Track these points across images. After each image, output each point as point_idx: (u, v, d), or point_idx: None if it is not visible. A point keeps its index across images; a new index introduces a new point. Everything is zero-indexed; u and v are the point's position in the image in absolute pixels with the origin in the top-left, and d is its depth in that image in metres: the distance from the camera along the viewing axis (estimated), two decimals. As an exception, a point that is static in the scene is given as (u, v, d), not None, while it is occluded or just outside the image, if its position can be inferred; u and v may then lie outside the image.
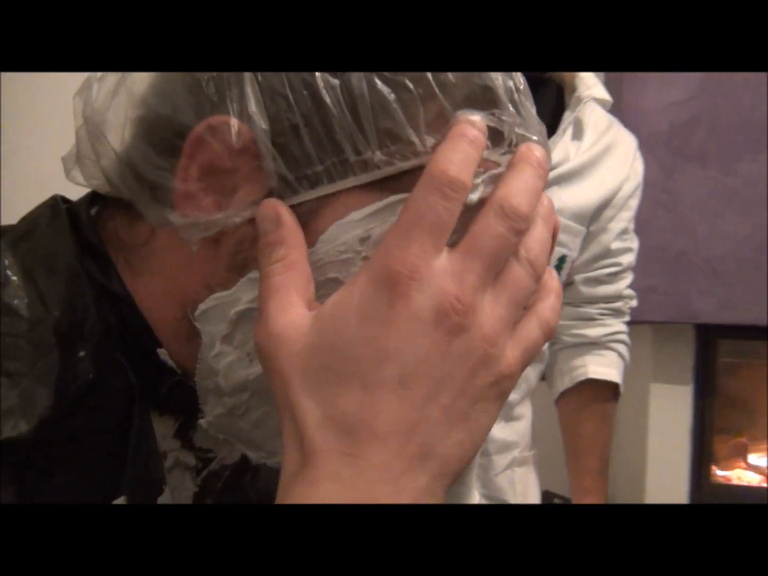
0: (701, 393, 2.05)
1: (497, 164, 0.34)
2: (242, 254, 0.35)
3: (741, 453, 2.15)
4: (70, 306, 0.36)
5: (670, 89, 1.88)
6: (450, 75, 0.34)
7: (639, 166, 1.02)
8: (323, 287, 0.34)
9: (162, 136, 0.35)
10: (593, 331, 1.02)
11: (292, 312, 0.32)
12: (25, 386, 0.33)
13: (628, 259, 1.02)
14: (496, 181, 0.34)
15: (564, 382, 1.05)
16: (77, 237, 0.38)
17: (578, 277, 1.02)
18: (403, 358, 0.30)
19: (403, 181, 0.33)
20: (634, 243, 1.04)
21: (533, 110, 0.36)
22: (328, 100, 0.33)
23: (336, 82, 0.33)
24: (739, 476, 2.16)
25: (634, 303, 1.06)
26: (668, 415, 2.04)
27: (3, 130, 1.09)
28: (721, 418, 2.10)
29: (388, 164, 0.33)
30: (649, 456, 2.03)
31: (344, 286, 0.32)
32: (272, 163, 0.33)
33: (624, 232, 1.01)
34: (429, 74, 0.33)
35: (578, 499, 1.03)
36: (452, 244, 0.32)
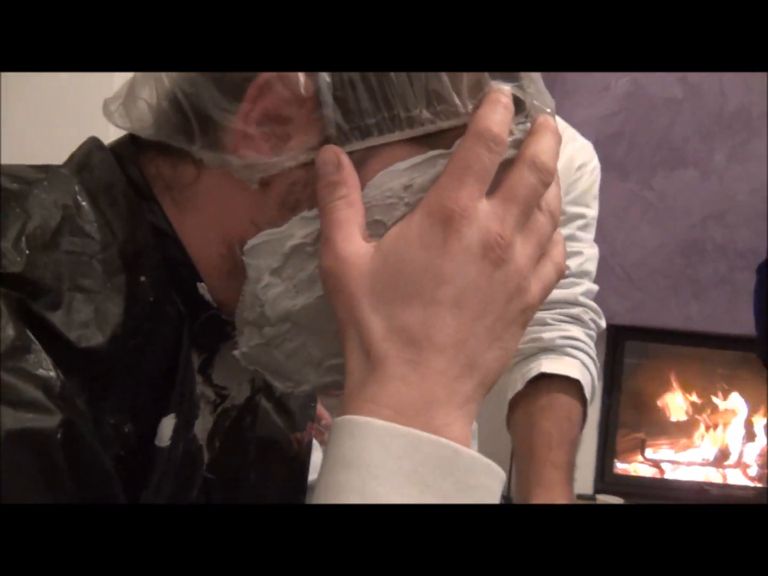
0: (608, 391, 2.19)
1: (512, 133, 0.39)
2: (295, 195, 0.38)
3: (639, 448, 2.31)
4: (132, 235, 0.38)
5: (598, 103, 2.01)
6: None
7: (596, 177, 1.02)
8: (369, 227, 0.38)
9: (231, 80, 0.38)
10: (547, 335, 0.96)
11: (356, 242, 0.36)
12: (98, 302, 0.35)
13: (576, 262, 0.98)
14: (517, 146, 0.39)
15: (516, 387, 0.94)
16: (124, 174, 0.40)
17: None
18: (456, 282, 0.35)
19: (442, 138, 0.38)
20: (587, 250, 1.01)
21: (544, 87, 0.42)
22: None
23: None
24: (636, 469, 2.33)
25: (597, 317, 0.99)
26: (578, 409, 2.17)
27: (3, 130, 1.05)
28: (623, 415, 2.25)
29: (431, 122, 0.38)
30: (559, 447, 2.15)
31: (401, 222, 0.37)
32: (332, 113, 0.37)
33: (570, 238, 0.98)
34: None
35: (543, 494, 0.87)
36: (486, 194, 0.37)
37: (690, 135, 2.02)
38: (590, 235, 1.02)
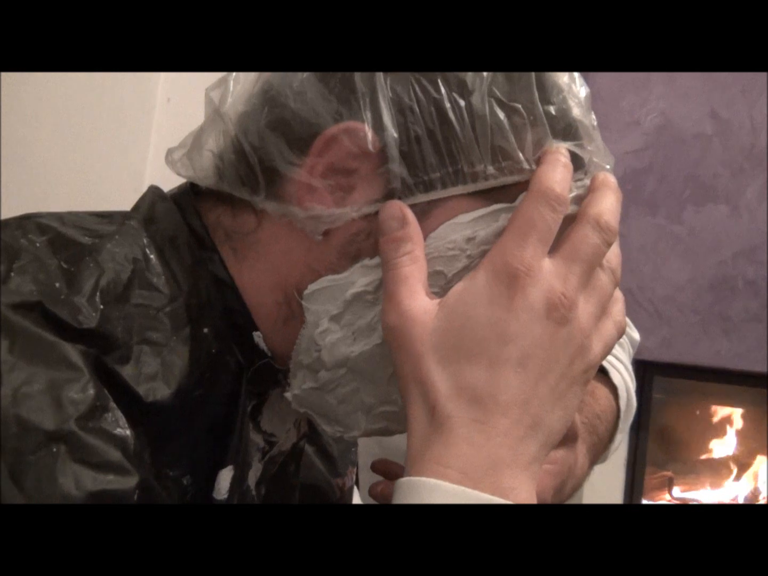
0: (636, 427, 2.16)
1: (570, 189, 0.39)
2: (356, 245, 0.39)
3: (667, 486, 2.27)
4: (195, 287, 0.39)
5: (627, 138, 2.01)
6: (552, 108, 0.39)
7: None
8: (430, 278, 0.38)
9: (299, 135, 0.38)
10: None
11: (420, 299, 0.36)
12: (164, 355, 0.36)
13: None
14: (576, 202, 0.39)
15: None
16: (186, 224, 0.41)
17: None
18: (521, 341, 0.35)
19: (504, 192, 0.38)
20: None
21: (603, 144, 0.42)
22: (452, 116, 0.37)
23: (462, 102, 0.37)
24: (664, 508, 2.28)
25: (632, 333, 0.88)
26: (605, 446, 2.14)
27: (3, 130, 1.07)
28: (650, 452, 2.21)
29: (495, 178, 0.38)
30: (586, 485, 2.12)
31: (465, 279, 0.37)
32: (398, 167, 0.37)
33: None
34: (539, 105, 0.39)
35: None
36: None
37: (720, 171, 2.01)
38: None
